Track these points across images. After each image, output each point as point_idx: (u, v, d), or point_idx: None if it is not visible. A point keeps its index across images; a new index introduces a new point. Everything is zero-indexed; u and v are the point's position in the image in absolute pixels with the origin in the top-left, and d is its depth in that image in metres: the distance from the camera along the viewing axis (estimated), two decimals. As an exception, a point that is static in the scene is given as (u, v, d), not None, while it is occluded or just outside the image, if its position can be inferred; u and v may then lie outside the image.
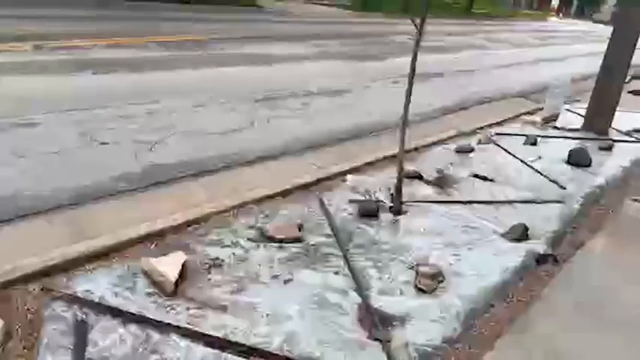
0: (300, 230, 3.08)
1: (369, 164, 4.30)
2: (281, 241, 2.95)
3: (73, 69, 6.10)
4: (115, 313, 2.24)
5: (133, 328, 2.17)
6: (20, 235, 2.89)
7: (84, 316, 2.19)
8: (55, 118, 4.46)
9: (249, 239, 2.96)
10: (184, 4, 14.27)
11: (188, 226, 3.03)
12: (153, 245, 2.82)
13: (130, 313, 2.24)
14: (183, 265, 2.54)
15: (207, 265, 2.67)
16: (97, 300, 2.30)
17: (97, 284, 2.41)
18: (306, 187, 3.74)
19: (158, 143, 4.26)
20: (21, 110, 4.51)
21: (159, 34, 9.05)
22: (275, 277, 2.64)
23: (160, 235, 2.90)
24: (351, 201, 3.56)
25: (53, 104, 4.77)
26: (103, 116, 4.67)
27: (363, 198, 3.63)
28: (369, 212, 3.38)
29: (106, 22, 10.00)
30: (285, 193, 3.58)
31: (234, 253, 2.80)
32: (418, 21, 3.11)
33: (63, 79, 5.69)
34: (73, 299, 2.29)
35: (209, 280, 2.56)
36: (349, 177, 3.95)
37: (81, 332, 2.10)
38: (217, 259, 2.73)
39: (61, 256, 2.54)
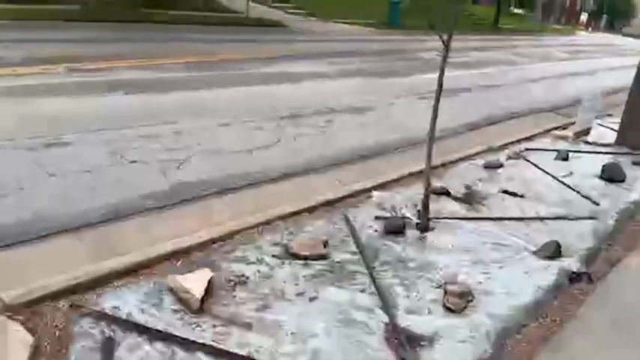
0: (325, 247, 3.06)
1: (395, 181, 4.26)
2: (306, 258, 2.93)
3: (101, 90, 6.26)
4: (142, 330, 2.24)
5: (159, 345, 2.17)
6: (51, 252, 2.94)
7: (111, 333, 2.21)
8: (85, 138, 4.57)
9: (274, 256, 2.94)
10: (207, 26, 14.57)
11: (213, 243, 3.04)
12: (179, 262, 2.83)
13: (156, 330, 2.24)
14: (209, 282, 2.54)
15: (232, 282, 2.66)
16: (124, 317, 2.31)
17: (125, 301, 2.42)
18: (331, 203, 3.72)
19: (185, 162, 4.31)
20: (53, 130, 4.63)
21: (182, 55, 9.23)
22: (300, 294, 2.61)
23: (186, 252, 2.91)
24: (377, 217, 3.53)
25: (83, 124, 4.90)
26: (130, 136, 4.77)
27: (388, 214, 3.59)
28: (395, 229, 3.34)
29: (130, 43, 10.27)
30: (310, 210, 3.57)
31: (259, 270, 2.79)
32: (445, 37, 3.10)
33: (92, 100, 5.85)
34: (101, 316, 2.30)
35: (234, 297, 2.55)
36: (375, 193, 3.92)
37: (108, 349, 2.11)
38: (242, 276, 2.72)
39: (89, 273, 2.57)
